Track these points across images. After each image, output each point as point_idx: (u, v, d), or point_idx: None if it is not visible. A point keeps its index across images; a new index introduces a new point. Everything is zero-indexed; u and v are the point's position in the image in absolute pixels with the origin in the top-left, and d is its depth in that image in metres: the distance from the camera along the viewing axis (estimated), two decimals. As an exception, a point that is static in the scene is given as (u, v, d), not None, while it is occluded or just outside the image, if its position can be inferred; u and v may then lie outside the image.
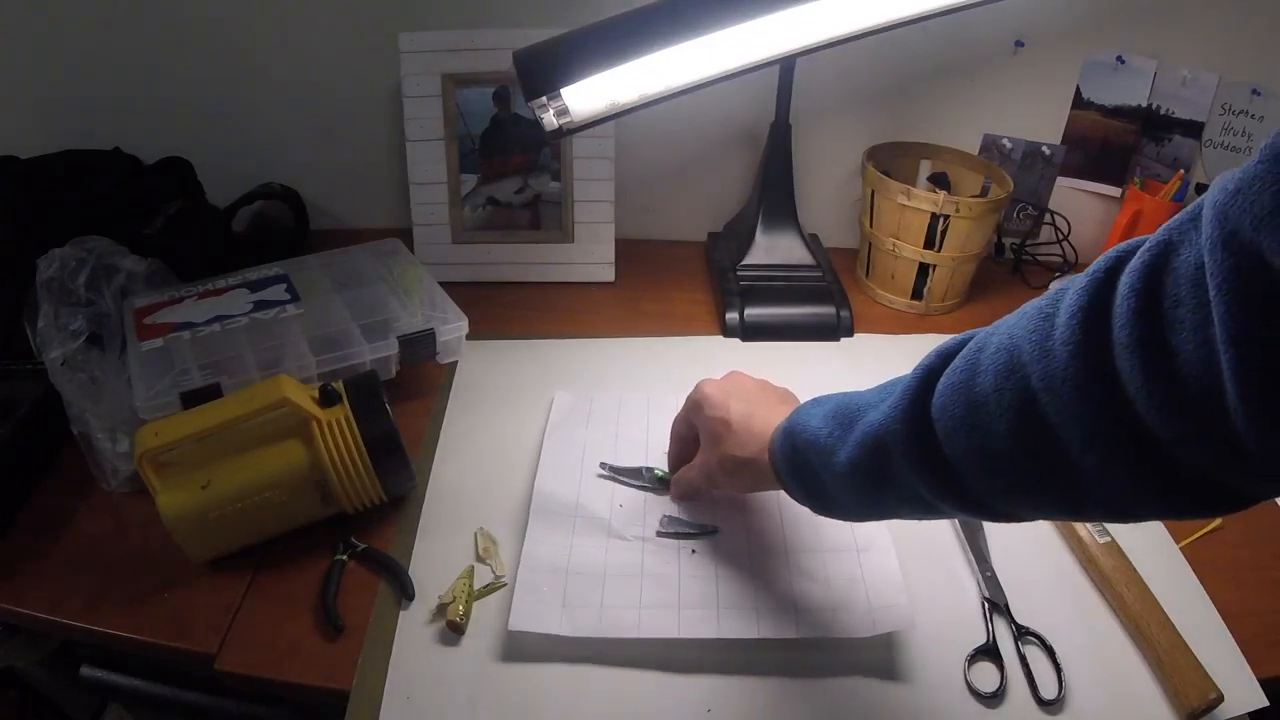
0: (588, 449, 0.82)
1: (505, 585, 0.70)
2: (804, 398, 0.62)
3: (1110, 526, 0.73)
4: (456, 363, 0.94)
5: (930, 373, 0.48)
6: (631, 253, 1.13)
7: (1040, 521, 0.77)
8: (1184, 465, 0.37)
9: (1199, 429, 0.35)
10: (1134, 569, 0.70)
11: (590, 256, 1.10)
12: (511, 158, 1.06)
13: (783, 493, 0.62)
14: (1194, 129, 1.10)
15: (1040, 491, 0.44)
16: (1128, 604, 0.67)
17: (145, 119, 1.11)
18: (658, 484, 0.77)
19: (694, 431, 0.72)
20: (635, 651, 0.65)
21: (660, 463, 0.79)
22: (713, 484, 0.70)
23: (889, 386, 0.53)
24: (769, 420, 0.63)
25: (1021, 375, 0.41)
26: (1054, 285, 1.15)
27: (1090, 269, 0.40)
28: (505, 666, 0.64)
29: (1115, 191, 1.16)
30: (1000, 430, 0.43)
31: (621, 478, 0.78)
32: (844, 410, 0.55)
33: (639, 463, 0.79)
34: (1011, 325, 0.44)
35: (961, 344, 0.48)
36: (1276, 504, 0.81)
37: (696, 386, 0.71)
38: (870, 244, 1.09)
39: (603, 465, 0.79)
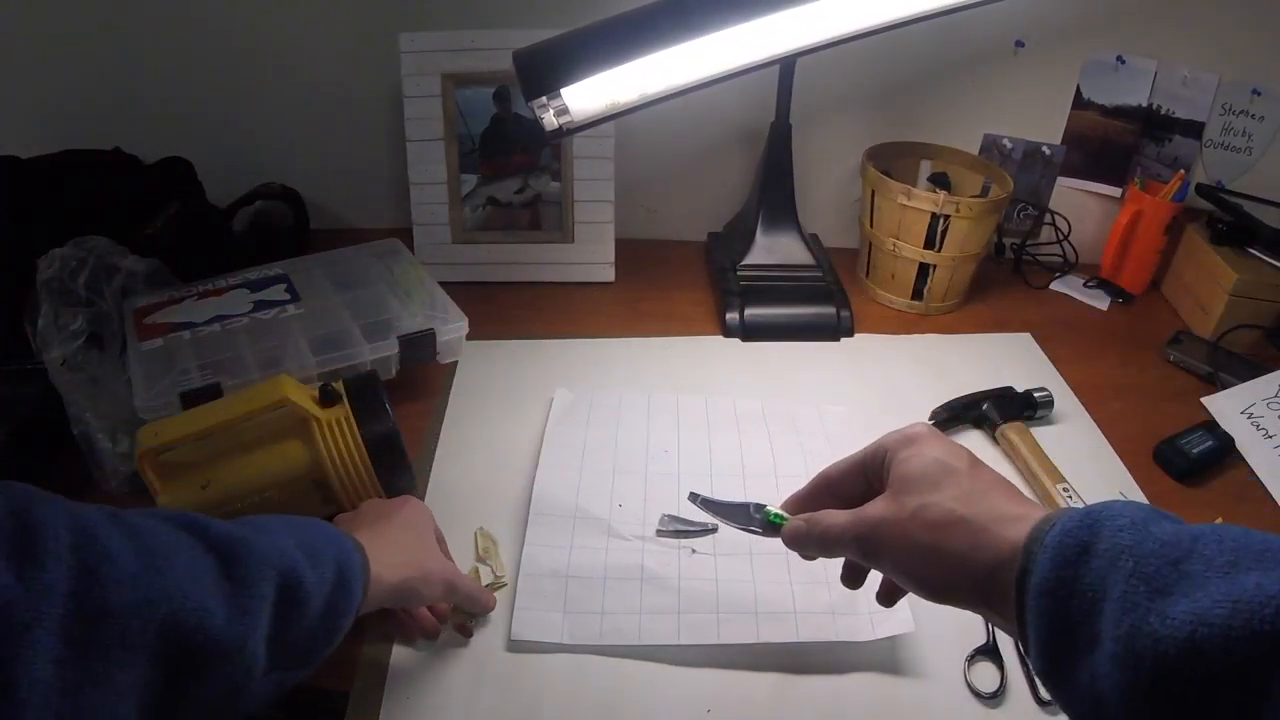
0: (587, 449, 0.82)
1: (505, 585, 0.70)
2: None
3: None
4: (456, 363, 0.93)
5: None
6: (631, 253, 1.13)
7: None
8: None
9: None
10: (1134, 569, 0.69)
11: (590, 256, 1.10)
12: (511, 158, 1.06)
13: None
14: (1194, 129, 1.10)
15: None
16: (1128, 604, 0.67)
17: (145, 119, 1.10)
18: (767, 528, 0.57)
19: (858, 479, 0.53)
20: (636, 652, 0.65)
21: (761, 500, 0.60)
22: (869, 548, 0.48)
23: None
24: (1029, 507, 0.44)
25: None
26: (1054, 286, 1.15)
27: None
28: (505, 666, 0.64)
29: (1115, 191, 1.16)
30: None
31: (718, 512, 0.62)
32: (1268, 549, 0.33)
33: (737, 498, 0.62)
34: None
35: None
36: (1276, 503, 0.81)
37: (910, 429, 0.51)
38: (870, 244, 1.09)
39: (693, 496, 0.64)
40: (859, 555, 0.49)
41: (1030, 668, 0.39)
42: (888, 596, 0.56)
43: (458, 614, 0.66)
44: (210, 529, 0.47)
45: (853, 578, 0.56)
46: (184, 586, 0.43)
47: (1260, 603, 0.30)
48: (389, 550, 0.60)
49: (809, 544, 0.52)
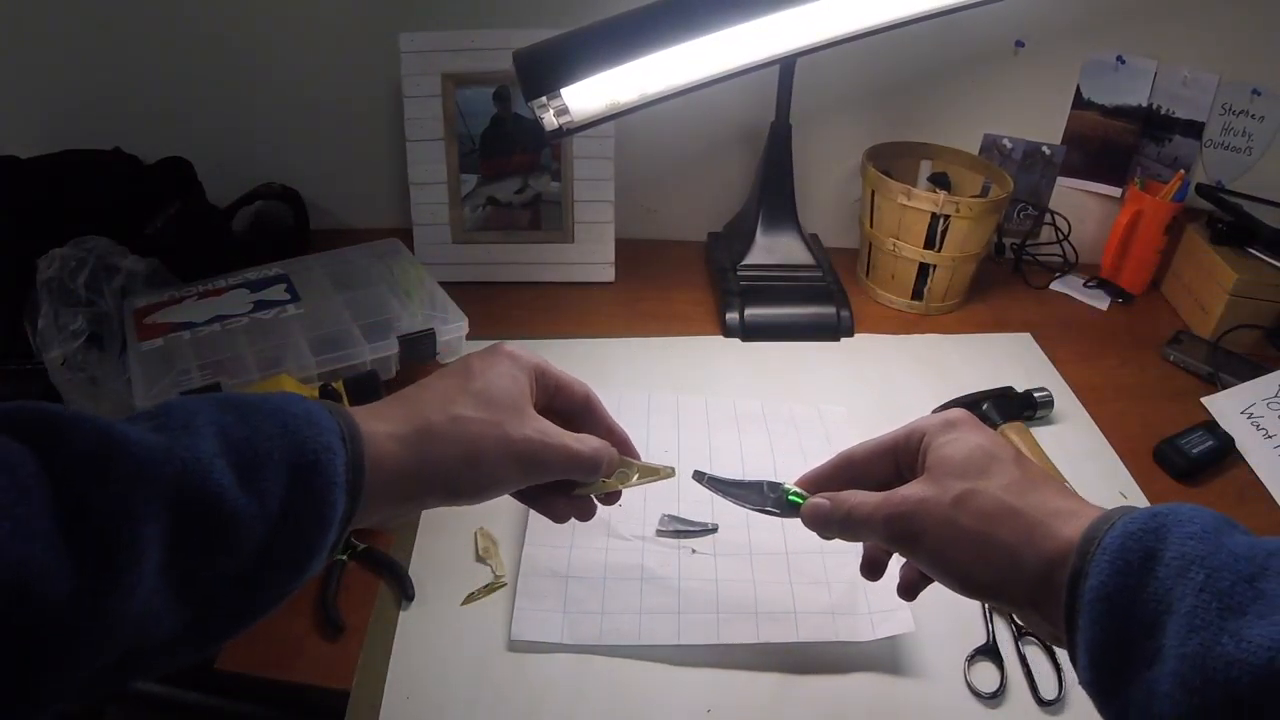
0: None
1: (505, 585, 0.70)
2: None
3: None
4: (456, 363, 0.94)
5: None
6: (631, 253, 1.13)
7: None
8: None
9: None
10: (1134, 569, 0.69)
11: (590, 256, 1.10)
12: (511, 158, 1.06)
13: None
14: (1194, 129, 1.10)
15: None
16: (1128, 604, 0.67)
17: (145, 119, 1.10)
18: (784, 508, 0.54)
19: (886, 463, 0.50)
20: (636, 652, 0.65)
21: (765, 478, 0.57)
22: (902, 532, 0.44)
23: None
24: (1081, 503, 0.42)
25: None
26: (1054, 286, 1.15)
27: None
28: (505, 666, 0.64)
29: (1115, 191, 1.16)
30: None
31: (727, 492, 0.57)
32: None
33: (739, 475, 0.58)
34: None
35: None
36: (1276, 503, 0.81)
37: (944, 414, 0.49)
38: (870, 244, 1.09)
39: (698, 475, 0.58)
40: (889, 539, 0.45)
41: (1080, 675, 0.37)
42: (909, 589, 0.51)
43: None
44: (68, 440, 0.33)
45: (872, 568, 0.52)
46: None
47: None
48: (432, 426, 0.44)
49: (831, 524, 0.48)
